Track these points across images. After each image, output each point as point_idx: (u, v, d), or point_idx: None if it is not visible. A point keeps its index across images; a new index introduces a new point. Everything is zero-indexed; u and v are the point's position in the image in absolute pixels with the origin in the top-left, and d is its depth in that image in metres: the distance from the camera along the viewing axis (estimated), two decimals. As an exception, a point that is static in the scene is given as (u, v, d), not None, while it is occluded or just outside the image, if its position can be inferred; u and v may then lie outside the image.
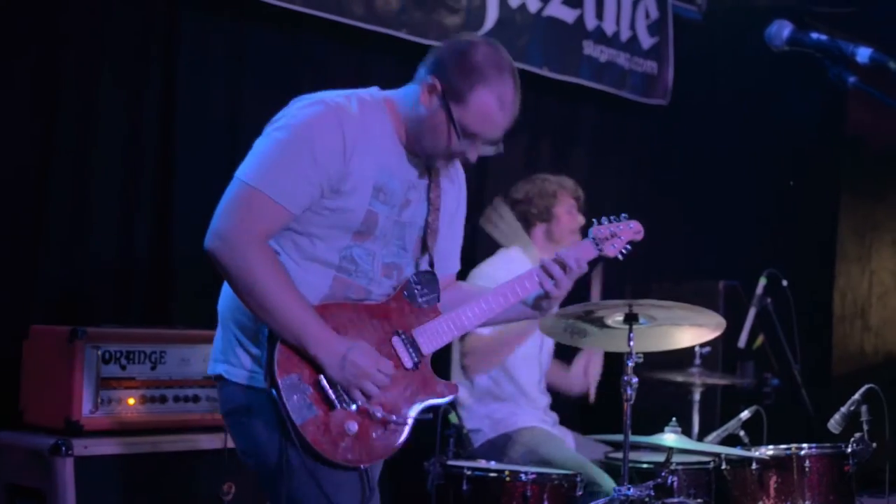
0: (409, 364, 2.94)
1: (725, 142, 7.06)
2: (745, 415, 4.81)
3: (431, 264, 3.08)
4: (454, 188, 3.17)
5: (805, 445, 4.39)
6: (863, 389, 4.56)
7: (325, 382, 2.81)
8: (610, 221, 3.24)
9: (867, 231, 8.58)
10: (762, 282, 5.61)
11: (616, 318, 4.06)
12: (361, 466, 2.87)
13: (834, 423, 4.55)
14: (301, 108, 2.89)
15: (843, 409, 4.55)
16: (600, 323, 4.10)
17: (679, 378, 5.23)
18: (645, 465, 4.65)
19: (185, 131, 4.73)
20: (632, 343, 3.97)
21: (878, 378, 7.50)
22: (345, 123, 2.85)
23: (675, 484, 4.39)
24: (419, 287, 3.01)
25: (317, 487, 2.83)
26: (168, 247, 4.67)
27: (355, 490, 2.89)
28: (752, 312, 5.53)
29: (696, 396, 5.23)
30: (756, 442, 4.75)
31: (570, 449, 4.75)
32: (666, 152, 6.91)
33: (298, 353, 2.80)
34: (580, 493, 4.20)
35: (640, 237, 3.27)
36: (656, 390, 5.37)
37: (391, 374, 2.86)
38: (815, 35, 2.57)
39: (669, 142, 6.84)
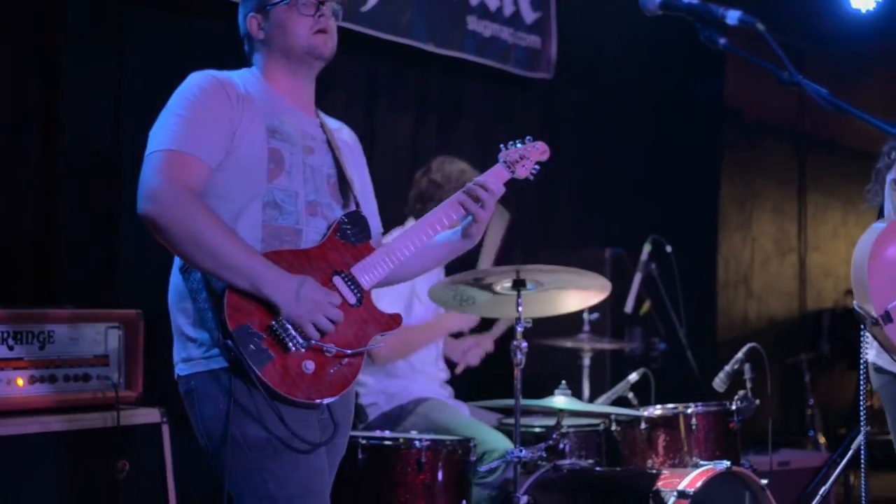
0: (352, 300, 2.99)
1: (610, 113, 7.19)
2: (633, 377, 4.93)
3: (357, 206, 3.15)
4: (352, 151, 3.28)
5: (691, 404, 4.50)
6: (745, 348, 4.70)
7: (276, 325, 2.84)
8: (516, 145, 3.33)
9: (748, 199, 8.82)
10: (646, 248, 5.73)
11: (504, 285, 4.13)
12: (323, 402, 2.92)
13: (718, 382, 4.68)
14: (189, 82, 3.01)
15: (727, 368, 4.69)
16: (489, 289, 4.17)
17: (569, 344, 5.33)
18: (537, 429, 4.75)
19: (70, 109, 4.67)
20: (520, 308, 4.04)
21: (760, 341, 7.75)
22: (229, 83, 3.00)
23: (567, 446, 4.49)
24: (349, 227, 3.07)
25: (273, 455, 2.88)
26: (55, 226, 4.61)
27: (321, 425, 2.96)
28: (637, 278, 5.65)
29: (586, 362, 5.33)
30: (645, 403, 4.86)
31: (464, 415, 4.82)
32: (551, 125, 7.00)
33: (246, 300, 2.84)
34: (474, 458, 4.27)
35: (546, 157, 3.37)
36: (547, 357, 5.48)
37: (338, 303, 2.93)
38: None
39: (554, 114, 6.93)
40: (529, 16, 6.62)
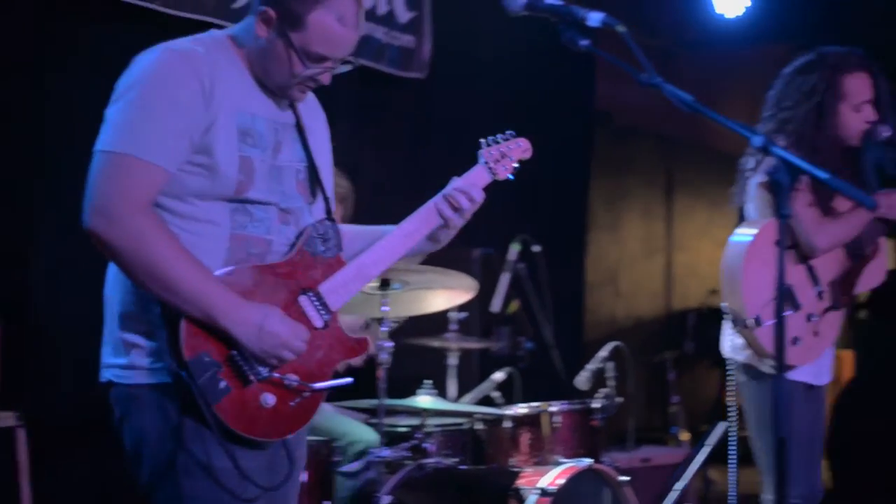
0: (318, 324, 2.74)
1: (482, 113, 7.21)
2: (498, 376, 4.96)
3: (328, 211, 2.90)
4: (318, 124, 3.00)
5: (554, 403, 4.55)
6: (608, 347, 4.77)
7: (237, 357, 2.60)
8: (497, 141, 3.14)
9: (616, 200, 8.95)
10: (514, 248, 5.77)
11: (370, 284, 4.12)
12: (284, 438, 2.70)
13: (581, 380, 4.75)
14: (146, 61, 2.68)
15: (591, 367, 4.75)
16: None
17: (435, 343, 5.34)
18: (402, 429, 4.74)
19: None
20: (386, 308, 4.03)
21: (627, 340, 7.85)
22: (197, 66, 2.65)
23: (432, 445, 4.50)
24: (319, 237, 2.80)
25: (231, 474, 2.62)
26: None
27: (276, 466, 2.73)
28: (505, 278, 5.68)
29: (453, 361, 5.33)
30: (510, 402, 4.90)
31: (327, 410, 4.78)
32: (424, 125, 7.00)
33: (205, 328, 2.57)
34: (338, 458, 4.25)
35: (528, 155, 3.18)
36: (414, 356, 5.46)
37: (307, 338, 2.67)
38: (549, 0, 2.67)
39: (427, 114, 6.93)
40: (404, 15, 6.61)
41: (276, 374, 2.63)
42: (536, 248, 5.82)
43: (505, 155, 3.12)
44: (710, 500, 6.42)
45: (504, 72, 7.26)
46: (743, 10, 7.69)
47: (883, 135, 4.06)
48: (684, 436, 8.28)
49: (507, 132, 3.17)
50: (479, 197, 3.00)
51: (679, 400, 8.41)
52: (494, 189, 7.08)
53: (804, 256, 4.01)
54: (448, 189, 2.99)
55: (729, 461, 4.19)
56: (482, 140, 3.13)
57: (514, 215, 7.04)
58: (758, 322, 3.83)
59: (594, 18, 2.58)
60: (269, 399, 2.63)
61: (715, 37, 8.48)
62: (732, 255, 3.96)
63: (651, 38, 8.92)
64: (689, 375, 9.33)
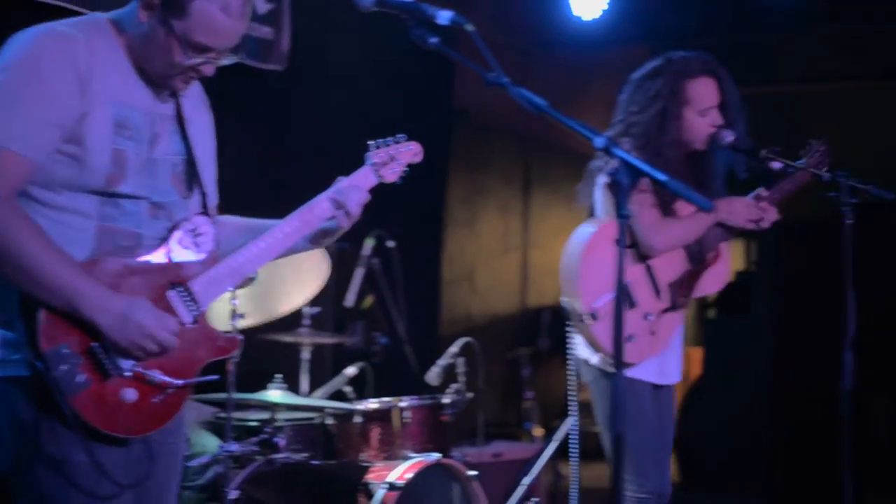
0: (187, 319, 2.67)
1: (339, 107, 7.20)
2: (350, 371, 4.96)
3: (205, 205, 2.82)
4: (201, 115, 2.92)
5: (405, 398, 4.57)
6: (459, 343, 4.81)
7: (97, 348, 2.53)
8: (387, 144, 3.09)
9: (474, 197, 9.02)
10: (369, 243, 5.77)
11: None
12: (143, 435, 2.63)
13: (432, 376, 4.78)
14: (21, 43, 2.58)
15: (441, 362, 4.79)
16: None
17: (288, 338, 5.31)
18: (253, 423, 4.70)
19: None
20: (236, 302, 4.00)
21: (483, 337, 7.90)
22: (74, 52, 2.56)
23: (282, 440, 4.47)
24: (192, 233, 2.74)
25: (87, 469, 2.55)
26: None
27: (134, 462, 2.65)
28: (359, 273, 5.67)
29: (306, 356, 5.31)
30: (362, 397, 4.90)
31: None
32: (284, 117, 6.95)
33: (66, 319, 2.50)
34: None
35: (419, 159, 3.15)
36: (266, 351, 5.43)
37: (175, 331, 2.60)
38: (399, -3, 2.68)
39: (285, 107, 6.89)
40: (262, 6, 6.55)
41: (138, 369, 2.58)
42: (391, 244, 5.83)
43: (394, 158, 3.11)
44: (560, 494, 6.52)
45: (363, 66, 7.25)
46: (600, 12, 7.81)
47: (727, 139, 4.14)
48: (538, 431, 8.41)
49: (398, 135, 3.15)
50: (364, 198, 2.98)
51: (533, 396, 8.53)
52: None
53: (643, 256, 4.07)
54: (332, 190, 2.96)
55: (570, 456, 4.27)
56: (371, 142, 3.10)
57: (370, 211, 7.01)
58: (593, 317, 3.90)
59: (443, 17, 2.60)
60: (130, 394, 2.57)
61: (573, 38, 8.61)
62: (571, 251, 4.03)
63: (510, 38, 9.02)
64: (544, 372, 9.46)
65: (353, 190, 2.97)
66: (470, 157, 8.86)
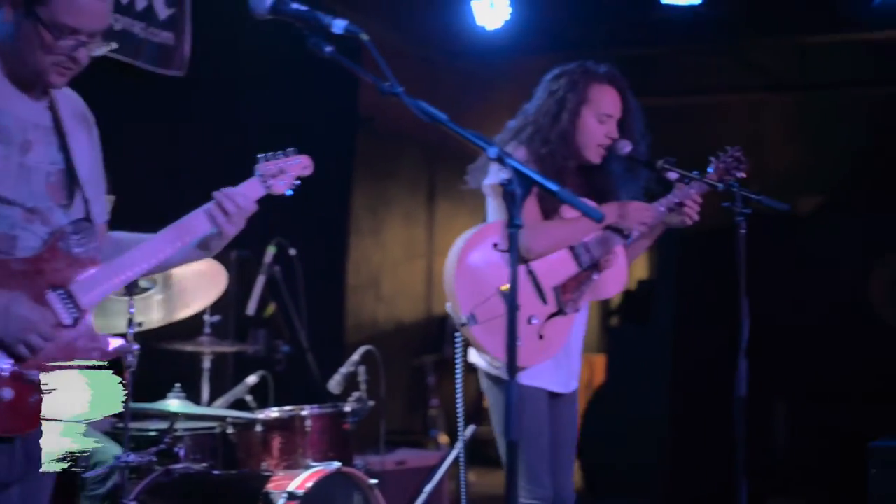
0: (67, 320, 2.68)
1: (243, 114, 7.15)
2: (251, 380, 4.94)
3: (87, 212, 2.82)
4: (82, 132, 2.93)
5: (306, 406, 4.56)
6: (361, 351, 4.81)
7: None
8: (276, 157, 3.11)
9: (379, 206, 9.02)
10: (270, 251, 5.75)
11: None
12: (21, 435, 2.62)
13: (333, 384, 4.77)
14: None
15: (343, 371, 4.78)
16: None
17: (189, 347, 5.26)
18: (152, 433, 4.66)
19: None
20: (132, 310, 3.96)
21: (388, 345, 7.91)
22: None
23: (182, 450, 4.43)
24: (75, 236, 2.74)
25: None
26: None
27: (7, 464, 2.65)
28: (260, 280, 5.65)
29: (207, 364, 5.28)
30: (264, 406, 4.88)
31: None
32: (185, 124, 6.88)
33: None
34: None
35: (308, 172, 3.18)
36: (167, 360, 5.37)
37: (55, 323, 2.63)
38: (295, 5, 2.68)
39: (187, 114, 6.83)
40: (163, 12, 6.49)
41: (16, 368, 2.58)
42: (293, 252, 5.81)
43: (283, 171, 3.13)
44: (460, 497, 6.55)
45: (267, 73, 7.22)
46: (502, 23, 7.87)
47: (624, 150, 4.17)
48: (443, 438, 8.44)
49: (289, 149, 3.18)
50: (246, 204, 2.99)
51: (438, 403, 8.56)
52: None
53: (525, 259, 4.04)
54: (222, 192, 2.98)
55: (460, 463, 4.29)
56: (260, 155, 3.13)
57: (273, 218, 6.98)
58: (472, 320, 3.90)
59: (338, 25, 2.61)
60: (6, 393, 2.57)
61: (477, 48, 8.66)
62: (451, 255, 4.03)
63: (415, 48, 9.05)
64: (450, 379, 9.47)
65: (237, 197, 2.98)
66: (375, 165, 8.86)
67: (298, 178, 3.17)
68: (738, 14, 8.10)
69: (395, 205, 9.24)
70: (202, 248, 3.00)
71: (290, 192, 3.15)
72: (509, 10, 7.86)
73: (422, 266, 9.55)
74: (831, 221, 9.26)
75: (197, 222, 2.93)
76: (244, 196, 2.99)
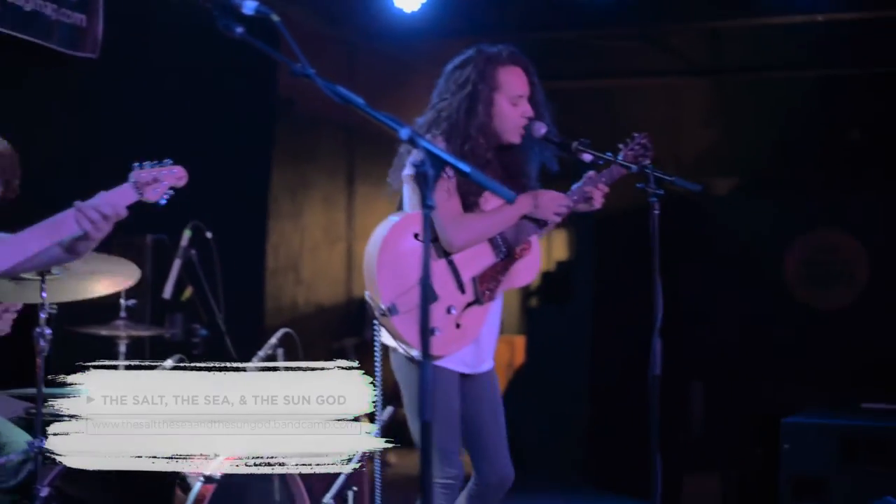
0: None
1: (158, 97, 7.07)
2: (167, 364, 4.88)
3: None
4: None
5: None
6: (279, 334, 4.79)
7: None
8: (152, 165, 3.11)
9: (299, 189, 8.98)
10: (186, 234, 5.70)
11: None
12: None
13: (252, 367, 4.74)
14: None
15: (261, 353, 4.76)
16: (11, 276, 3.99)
17: (104, 332, 5.21)
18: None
19: None
20: (44, 294, 3.90)
21: (308, 327, 7.89)
22: None
23: (97, 435, 4.38)
24: None
25: None
26: None
27: None
28: (176, 264, 5.60)
29: (122, 349, 5.23)
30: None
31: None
32: (98, 107, 6.79)
33: None
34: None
35: (182, 183, 3.19)
36: (81, 345, 5.32)
37: None
38: (201, -14, 2.66)
39: (99, 95, 6.73)
40: (76, -8, 6.39)
41: None
42: (209, 235, 5.76)
43: (157, 179, 3.16)
44: (383, 483, 6.55)
45: (183, 54, 7.14)
46: (419, 5, 7.87)
47: (540, 131, 4.22)
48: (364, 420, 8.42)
49: (165, 160, 3.20)
50: (112, 212, 3.01)
51: (359, 386, 8.53)
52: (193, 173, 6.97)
53: (444, 250, 4.10)
54: (86, 203, 3.00)
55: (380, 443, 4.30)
56: (135, 163, 3.15)
57: (191, 202, 6.90)
58: (392, 310, 3.93)
59: (248, 6, 2.60)
60: None
61: (395, 30, 8.65)
62: (371, 246, 4.06)
63: (335, 29, 9.01)
64: (370, 362, 9.47)
65: (102, 207, 3.00)
66: (294, 148, 8.82)
67: (172, 188, 3.18)
68: (652, -2, 8.20)
69: (315, 188, 9.20)
70: (69, 251, 3.04)
71: (163, 202, 3.16)
72: (426, -7, 7.87)
73: (341, 249, 9.53)
74: (747, 203, 9.41)
75: (65, 222, 2.95)
76: (111, 205, 3.01)
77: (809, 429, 5.80)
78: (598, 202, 4.26)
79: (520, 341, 9.82)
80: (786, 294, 8.68)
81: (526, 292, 10.59)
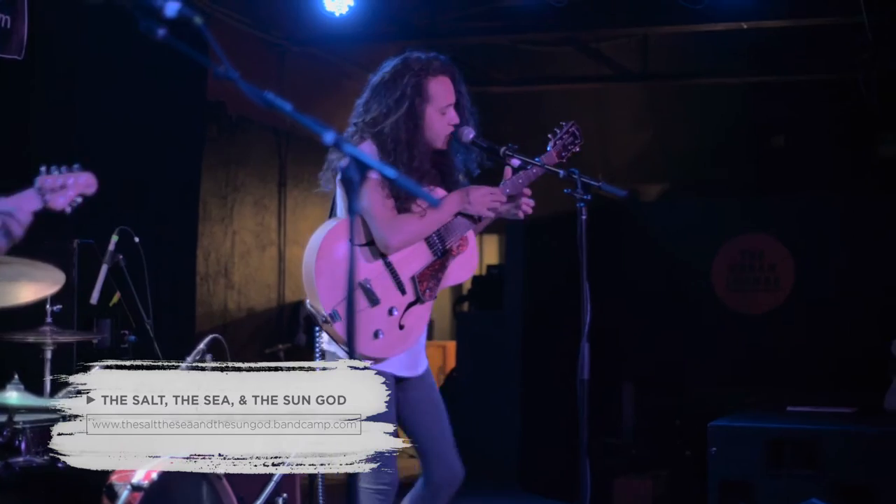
0: None
1: (85, 99, 6.99)
2: (95, 371, 4.83)
3: None
4: None
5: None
6: (207, 339, 4.75)
7: None
8: (59, 171, 3.03)
9: (230, 193, 8.93)
10: (114, 239, 5.64)
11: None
12: None
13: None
14: None
15: (189, 359, 4.72)
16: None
17: (29, 338, 5.13)
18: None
19: None
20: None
21: (240, 333, 7.84)
22: None
23: (22, 442, 4.32)
24: None
25: None
26: None
27: None
28: (104, 269, 5.54)
29: (48, 355, 5.16)
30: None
31: None
32: (25, 109, 6.70)
33: None
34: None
35: (91, 191, 3.10)
36: (6, 351, 5.24)
37: None
38: (126, -12, 2.63)
39: (26, 98, 6.64)
40: (0, -7, 6.31)
41: None
42: (137, 240, 5.71)
43: (64, 186, 3.09)
44: (315, 486, 6.53)
45: (111, 56, 7.06)
46: (346, 9, 7.87)
47: (468, 136, 4.25)
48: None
49: (75, 165, 3.12)
50: (25, 221, 3.00)
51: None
52: (100, 179, 6.90)
53: (381, 252, 4.11)
54: None
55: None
56: (42, 167, 3.08)
57: (120, 206, 6.87)
58: (333, 317, 3.94)
59: (171, 8, 2.56)
60: None
61: (325, 34, 8.64)
62: (308, 254, 4.05)
63: (265, 33, 8.98)
64: (302, 366, 9.43)
65: (9, 214, 2.97)
66: (225, 152, 8.77)
67: (81, 195, 3.11)
68: (583, 4, 8.26)
69: (246, 192, 9.15)
70: None
71: (69, 210, 3.10)
72: (354, -4, 7.88)
73: (273, 254, 9.49)
74: (675, 207, 9.51)
75: None
76: (18, 209, 2.98)
77: (735, 432, 5.87)
78: (526, 210, 4.29)
79: (452, 346, 9.84)
80: (714, 298, 8.78)
81: (458, 297, 10.62)
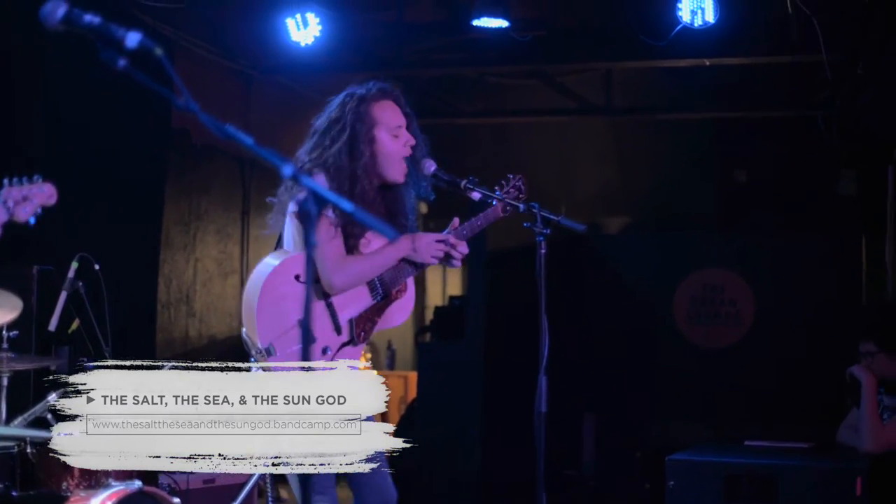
0: None
1: (54, 125, 6.97)
2: (52, 398, 4.80)
3: None
4: None
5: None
6: (167, 366, 4.73)
7: None
8: (21, 183, 3.04)
9: (192, 221, 8.91)
10: (74, 265, 5.61)
11: None
12: None
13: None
14: None
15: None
16: None
17: (-15, 364, 5.10)
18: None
19: None
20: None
21: (201, 360, 7.75)
22: None
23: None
24: None
25: None
26: None
27: None
28: (63, 296, 5.51)
29: (4, 381, 5.12)
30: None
31: None
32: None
33: None
34: None
35: (52, 201, 3.11)
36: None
37: None
38: (88, 17, 2.64)
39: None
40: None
41: None
42: (97, 266, 5.68)
43: (27, 198, 3.11)
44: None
45: (76, 82, 7.04)
46: (312, 39, 7.91)
47: (430, 169, 4.25)
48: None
49: (35, 176, 3.13)
50: None
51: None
52: (58, 205, 6.85)
53: (324, 292, 4.11)
54: None
55: (267, 480, 4.28)
56: (6, 179, 3.08)
57: (80, 232, 6.84)
58: (269, 352, 3.95)
59: (132, 39, 2.58)
60: None
61: (291, 63, 8.66)
62: (251, 285, 4.06)
63: (232, 61, 8.99)
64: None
65: None
66: (188, 179, 8.76)
67: (43, 206, 3.12)
68: (547, 38, 8.33)
69: (208, 220, 9.13)
70: None
71: (32, 221, 3.09)
72: (319, 27, 7.90)
73: (235, 282, 9.46)
74: (637, 241, 9.56)
75: None
76: None
77: (693, 466, 5.88)
78: (457, 259, 4.31)
79: (413, 377, 9.83)
80: (674, 332, 8.83)
81: (420, 328, 10.61)
